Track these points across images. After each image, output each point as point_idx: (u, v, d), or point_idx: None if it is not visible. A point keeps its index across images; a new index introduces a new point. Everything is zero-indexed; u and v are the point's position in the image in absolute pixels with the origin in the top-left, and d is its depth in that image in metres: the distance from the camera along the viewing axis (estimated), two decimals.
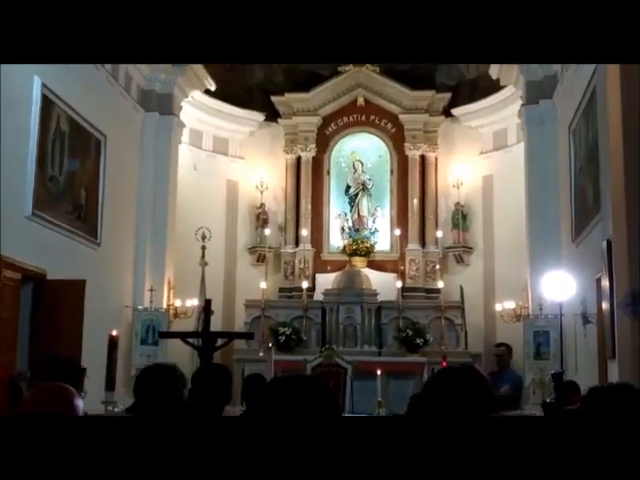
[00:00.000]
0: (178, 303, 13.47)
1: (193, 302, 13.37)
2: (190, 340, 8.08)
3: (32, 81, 9.35)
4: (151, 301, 12.72)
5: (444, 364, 12.14)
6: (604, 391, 3.00)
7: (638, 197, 7.06)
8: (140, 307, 12.76)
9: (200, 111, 15.21)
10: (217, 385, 4.40)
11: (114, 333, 10.98)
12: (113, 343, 10.99)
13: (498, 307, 13.76)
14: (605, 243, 7.63)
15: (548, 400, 7.43)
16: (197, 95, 14.76)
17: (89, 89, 10.99)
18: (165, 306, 13.15)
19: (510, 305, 13.26)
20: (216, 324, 14.22)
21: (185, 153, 14.61)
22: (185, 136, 14.56)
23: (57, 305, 9.84)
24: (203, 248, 13.53)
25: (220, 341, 8.01)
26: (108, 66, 11.83)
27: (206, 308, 7.90)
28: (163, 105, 13.53)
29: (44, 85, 9.52)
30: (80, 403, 2.84)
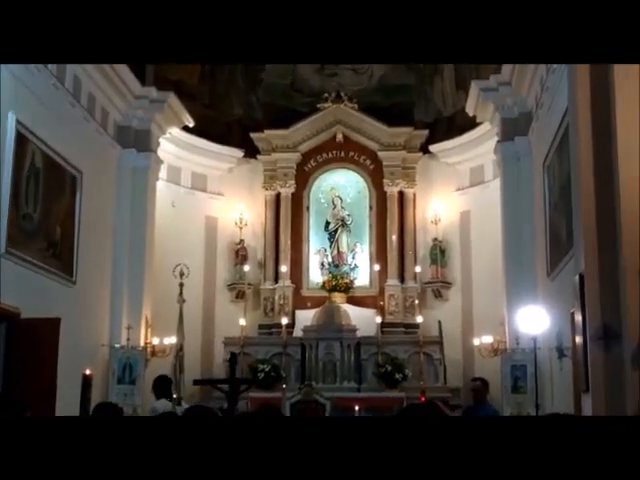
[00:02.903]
0: (156, 341, 13.35)
1: (171, 340, 13.26)
2: (219, 386, 9.32)
3: (6, 117, 9.31)
4: (128, 339, 12.61)
5: (423, 399, 12.11)
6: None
7: (608, 232, 7.11)
8: (117, 345, 12.63)
9: (178, 147, 15.23)
10: None
11: (87, 372, 10.96)
12: (87, 382, 10.97)
13: (476, 342, 13.75)
14: (577, 277, 7.65)
15: None
16: (175, 131, 14.78)
17: (65, 125, 10.99)
18: (142, 344, 13.03)
19: (488, 339, 13.26)
20: (195, 362, 14.24)
21: (163, 189, 14.57)
22: (163, 172, 14.54)
23: (31, 344, 9.69)
24: (181, 285, 13.42)
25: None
26: (84, 102, 11.86)
27: (232, 359, 9.03)
28: (140, 142, 13.53)
29: (18, 121, 9.49)
30: None
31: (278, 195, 16.02)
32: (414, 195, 15.94)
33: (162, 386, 8.54)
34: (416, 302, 15.19)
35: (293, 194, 16.02)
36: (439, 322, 14.57)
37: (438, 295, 15.49)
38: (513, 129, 13.08)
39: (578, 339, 7.79)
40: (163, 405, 8.13)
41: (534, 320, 9.45)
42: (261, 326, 15.43)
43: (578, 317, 7.68)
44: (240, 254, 15.78)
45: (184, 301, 13.42)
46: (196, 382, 12.28)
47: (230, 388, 8.79)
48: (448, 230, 15.66)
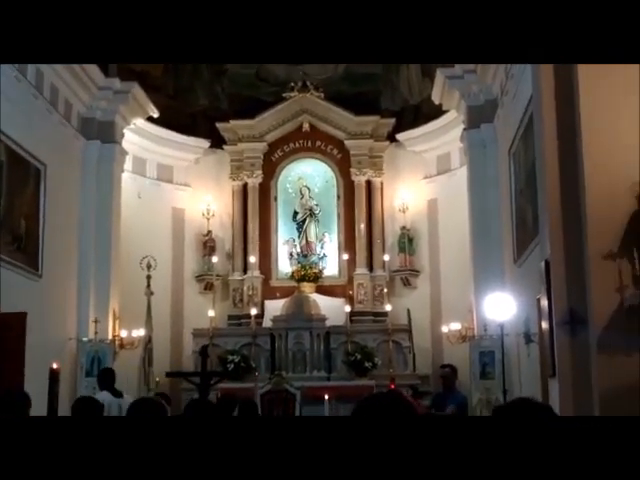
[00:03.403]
0: (124, 334, 13.26)
1: (139, 332, 13.19)
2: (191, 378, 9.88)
3: None
4: (96, 332, 12.50)
5: (392, 386, 12.18)
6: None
7: (573, 218, 7.19)
8: (84, 339, 12.53)
9: (143, 138, 15.07)
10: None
11: (54, 366, 10.82)
12: (54, 376, 10.80)
13: (444, 329, 13.83)
14: (543, 264, 7.72)
15: None
16: (140, 122, 14.63)
17: (28, 118, 10.83)
18: (110, 337, 12.94)
19: (456, 326, 13.34)
20: (164, 354, 14.18)
21: (128, 181, 14.41)
22: (128, 164, 14.38)
23: None
24: (148, 277, 13.36)
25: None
26: (47, 93, 11.70)
27: (203, 352, 9.39)
28: (104, 133, 13.36)
29: None
30: None
31: (245, 185, 15.95)
32: (382, 184, 15.97)
33: (106, 378, 8.66)
34: (385, 291, 15.23)
35: (260, 184, 15.96)
36: (408, 310, 14.63)
37: (407, 283, 15.55)
38: (479, 116, 13.14)
39: (544, 324, 7.88)
40: (104, 397, 8.13)
41: (501, 307, 9.55)
42: (230, 317, 15.40)
43: (544, 303, 7.76)
44: (208, 245, 15.71)
45: (152, 293, 13.38)
46: (168, 374, 12.35)
47: (201, 381, 9.04)
48: (416, 218, 15.71)
